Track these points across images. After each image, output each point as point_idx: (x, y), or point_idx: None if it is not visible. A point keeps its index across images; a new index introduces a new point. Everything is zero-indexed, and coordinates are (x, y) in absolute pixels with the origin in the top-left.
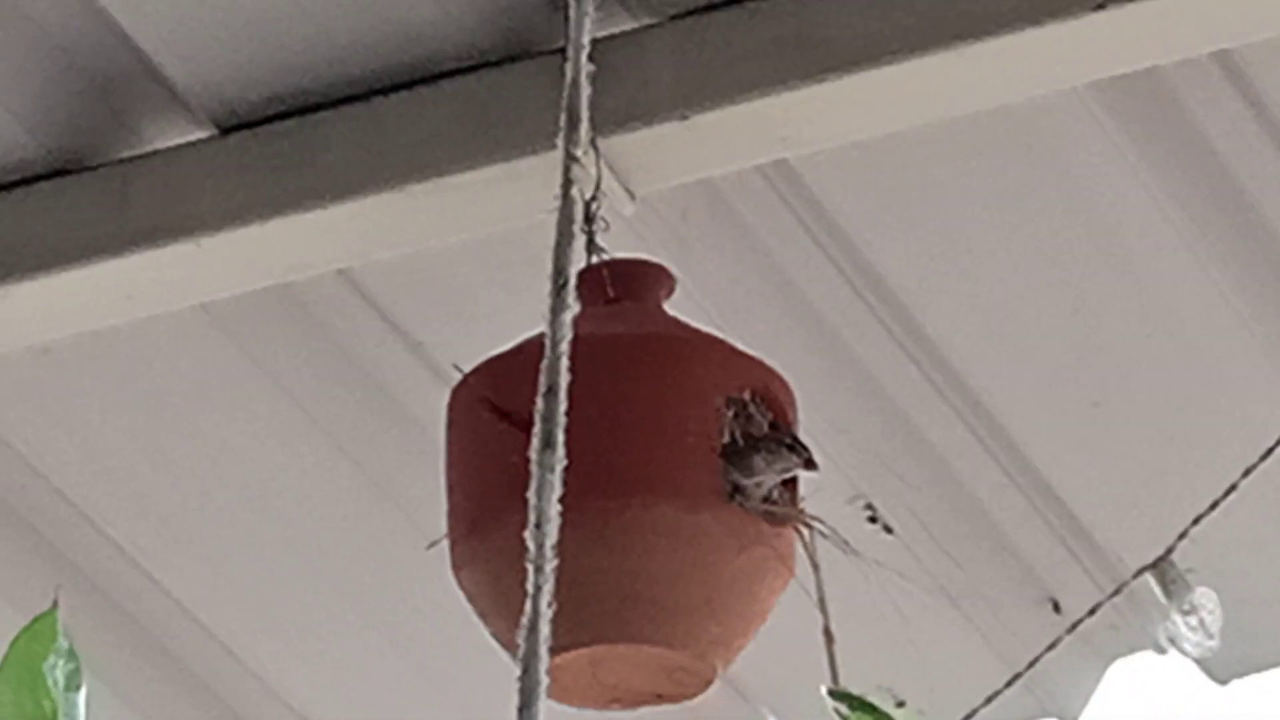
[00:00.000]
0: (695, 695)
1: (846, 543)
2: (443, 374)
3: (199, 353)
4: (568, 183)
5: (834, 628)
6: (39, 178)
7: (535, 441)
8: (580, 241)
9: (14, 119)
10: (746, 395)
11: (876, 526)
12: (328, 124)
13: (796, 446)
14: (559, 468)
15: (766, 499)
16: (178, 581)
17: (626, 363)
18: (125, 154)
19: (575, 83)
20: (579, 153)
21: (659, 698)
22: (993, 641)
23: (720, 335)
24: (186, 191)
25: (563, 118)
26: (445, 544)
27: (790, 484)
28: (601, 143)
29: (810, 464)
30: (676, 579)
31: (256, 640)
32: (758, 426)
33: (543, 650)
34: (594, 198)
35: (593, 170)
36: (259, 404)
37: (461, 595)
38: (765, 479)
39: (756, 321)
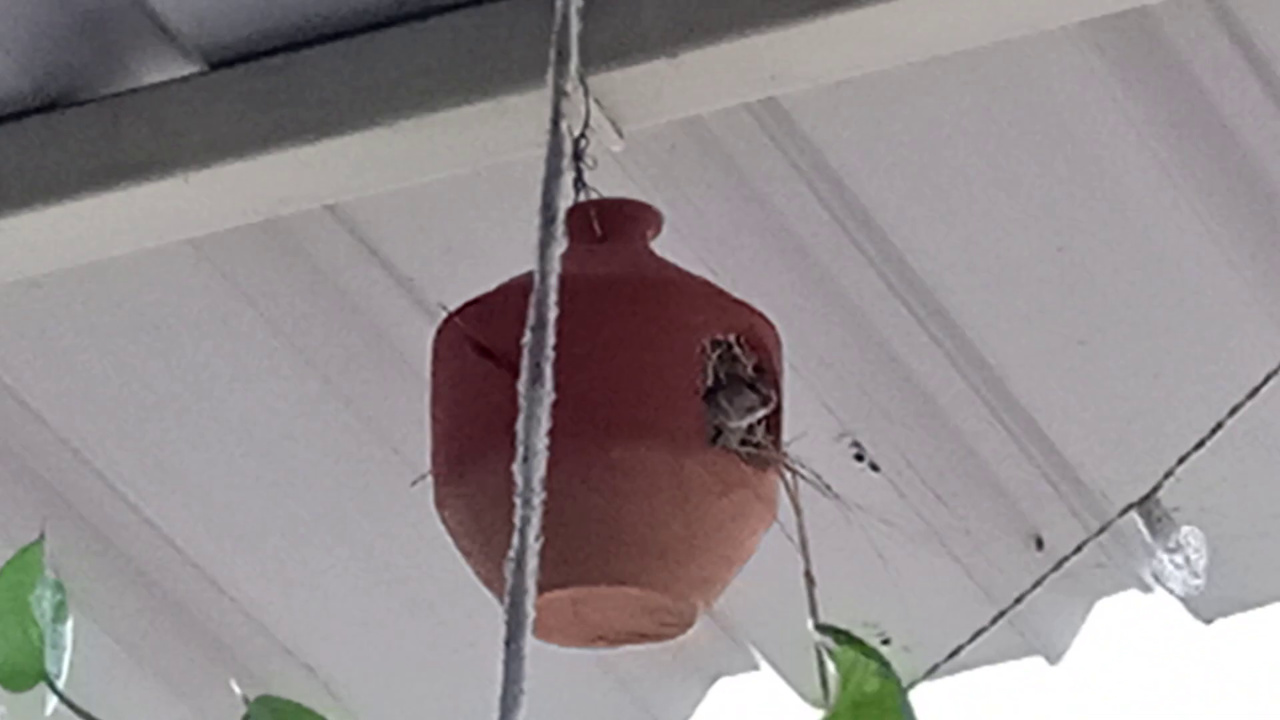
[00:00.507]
0: (678, 635)
1: (829, 486)
2: (431, 310)
3: (187, 287)
4: (557, 117)
5: (819, 566)
6: (28, 112)
7: (523, 375)
8: (567, 179)
9: (3, 54)
10: (731, 337)
11: (863, 464)
12: (316, 59)
13: (756, 385)
14: (546, 403)
15: (749, 441)
16: (164, 515)
17: (610, 304)
18: (114, 89)
19: (565, 18)
20: (568, 88)
21: (642, 637)
22: (978, 579)
23: (708, 273)
24: (175, 126)
25: (552, 53)
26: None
27: (774, 426)
28: (590, 79)
29: (766, 400)
30: (659, 521)
31: (243, 573)
32: (742, 368)
33: (530, 584)
34: (582, 135)
35: (581, 107)
36: (247, 338)
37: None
38: (740, 421)
39: (745, 259)
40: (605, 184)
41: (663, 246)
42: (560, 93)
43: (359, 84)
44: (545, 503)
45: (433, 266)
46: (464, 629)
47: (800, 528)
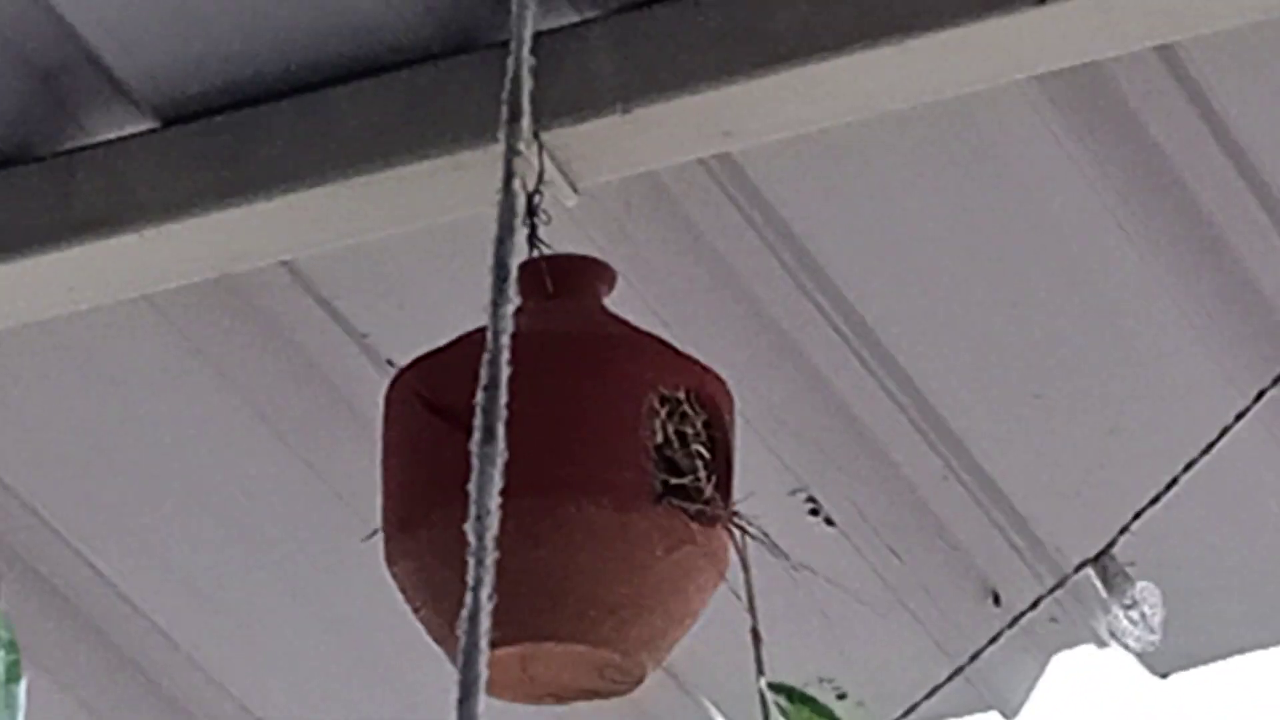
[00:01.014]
0: (626, 692)
1: (778, 547)
2: (385, 365)
3: (142, 343)
4: (509, 176)
5: (777, 620)
6: None
7: (476, 434)
8: (521, 234)
9: None
10: (681, 394)
11: (818, 519)
12: (271, 116)
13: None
14: (499, 461)
15: (699, 498)
16: (120, 571)
17: (560, 360)
18: (68, 145)
19: (517, 76)
20: (521, 146)
21: (591, 694)
22: (934, 634)
23: (662, 328)
24: (130, 183)
25: (504, 112)
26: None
27: (723, 483)
28: (544, 134)
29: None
30: (605, 578)
31: (197, 629)
32: (691, 425)
33: (483, 643)
34: (536, 190)
35: (535, 162)
36: (202, 394)
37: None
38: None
39: (699, 314)
40: (559, 239)
41: (616, 301)
42: (513, 152)
43: (313, 140)
44: None
45: (387, 322)
46: (417, 684)
47: (748, 585)
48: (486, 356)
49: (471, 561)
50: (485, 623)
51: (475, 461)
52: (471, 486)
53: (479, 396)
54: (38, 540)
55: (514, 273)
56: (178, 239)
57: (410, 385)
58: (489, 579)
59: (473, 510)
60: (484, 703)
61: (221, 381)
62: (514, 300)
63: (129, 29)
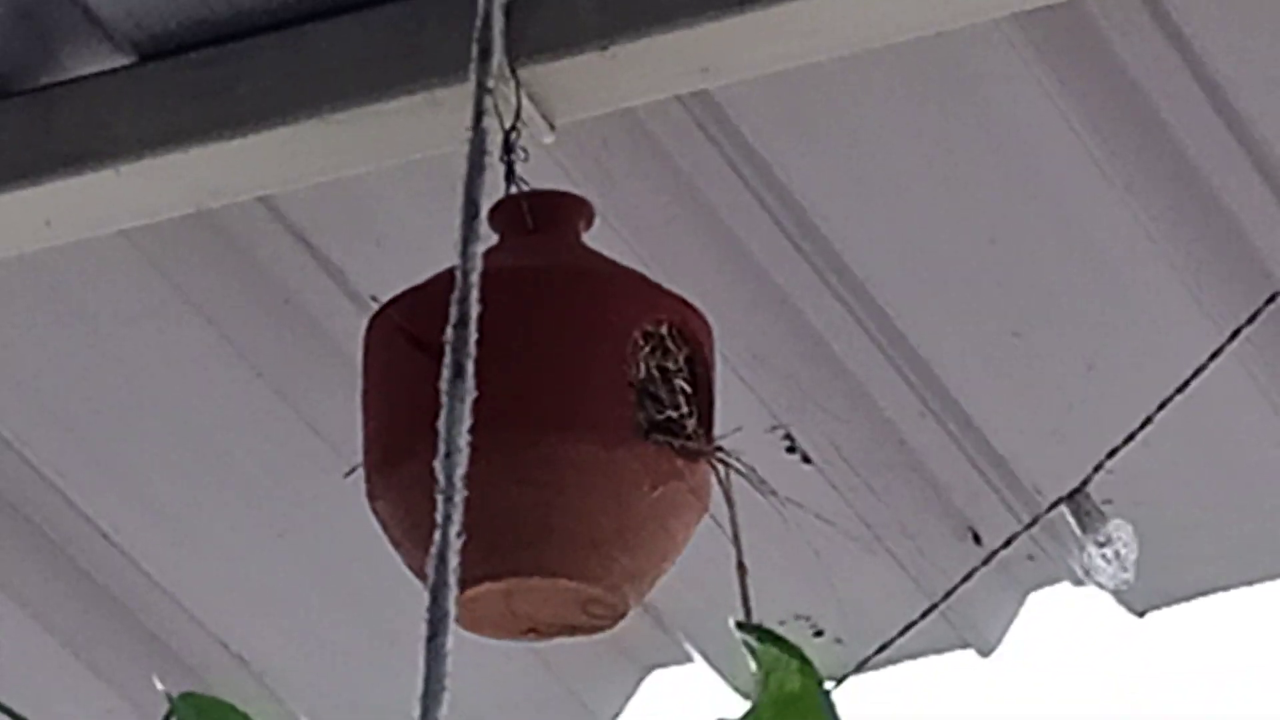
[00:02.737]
0: (609, 628)
1: (762, 481)
2: (362, 301)
3: (120, 279)
4: (480, 113)
5: (753, 558)
6: None
7: (445, 372)
8: (499, 171)
9: None
10: (663, 330)
11: (795, 456)
12: (248, 51)
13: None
14: (468, 398)
15: (682, 433)
16: (97, 505)
17: (541, 296)
18: (46, 80)
19: (488, 14)
20: (495, 82)
21: (573, 629)
22: (912, 572)
23: (640, 265)
24: (107, 118)
25: (475, 49)
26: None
27: (705, 417)
28: (522, 72)
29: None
30: (590, 513)
31: (176, 565)
32: (674, 361)
33: (452, 580)
34: (514, 127)
35: (513, 99)
36: (180, 329)
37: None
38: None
39: (677, 250)
40: (537, 176)
41: (595, 239)
42: (483, 90)
43: (290, 76)
44: (476, 495)
45: (364, 258)
46: (396, 621)
47: (733, 519)
48: (456, 294)
49: (440, 499)
50: (454, 560)
51: (444, 398)
52: (440, 423)
53: (448, 334)
54: (14, 475)
55: (483, 210)
56: (155, 174)
57: (392, 320)
58: (457, 516)
59: (441, 447)
60: (465, 636)
61: (200, 317)
62: (482, 237)
63: None
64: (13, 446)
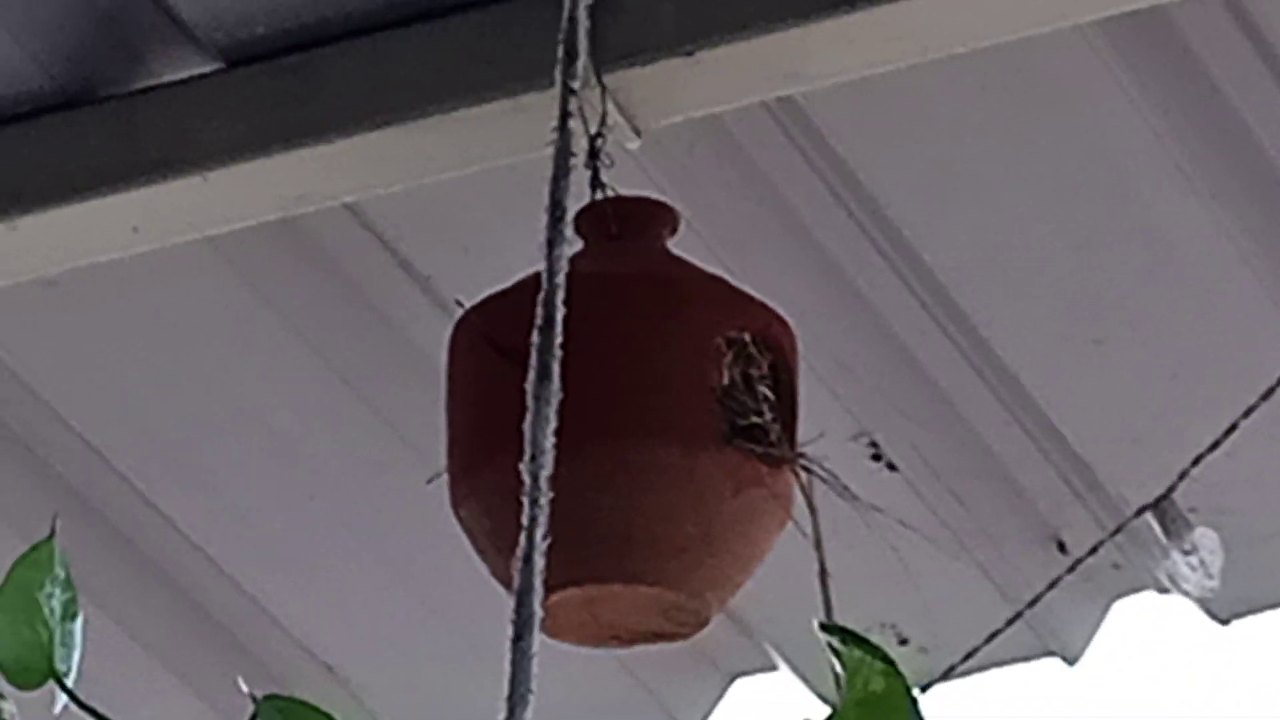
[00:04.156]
0: (691, 634)
1: (845, 487)
2: (448, 308)
3: (204, 286)
4: (565, 116)
5: (838, 567)
6: (47, 109)
7: (531, 374)
8: (584, 177)
9: (23, 51)
10: (746, 336)
11: (880, 464)
12: (333, 58)
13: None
14: (554, 401)
15: (765, 440)
16: (182, 513)
17: (626, 302)
18: (133, 87)
19: (573, 17)
20: (581, 87)
21: (656, 636)
22: (997, 580)
23: (724, 272)
24: (193, 124)
25: (560, 52)
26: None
27: (789, 425)
28: (607, 78)
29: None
30: (672, 519)
31: (260, 571)
32: (757, 367)
33: (537, 583)
34: (599, 133)
35: (598, 105)
36: (265, 336)
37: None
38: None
39: (762, 257)
40: (623, 182)
41: (680, 245)
42: (568, 92)
43: (376, 82)
44: (559, 501)
45: (450, 264)
46: (481, 627)
47: (815, 526)
48: (542, 296)
49: (526, 502)
50: (539, 562)
51: (530, 401)
52: (526, 426)
53: (534, 336)
54: (100, 480)
55: (569, 212)
56: (241, 181)
57: (476, 325)
58: (543, 519)
59: (527, 450)
60: (549, 644)
61: (284, 324)
62: (568, 240)
63: None
64: (100, 453)
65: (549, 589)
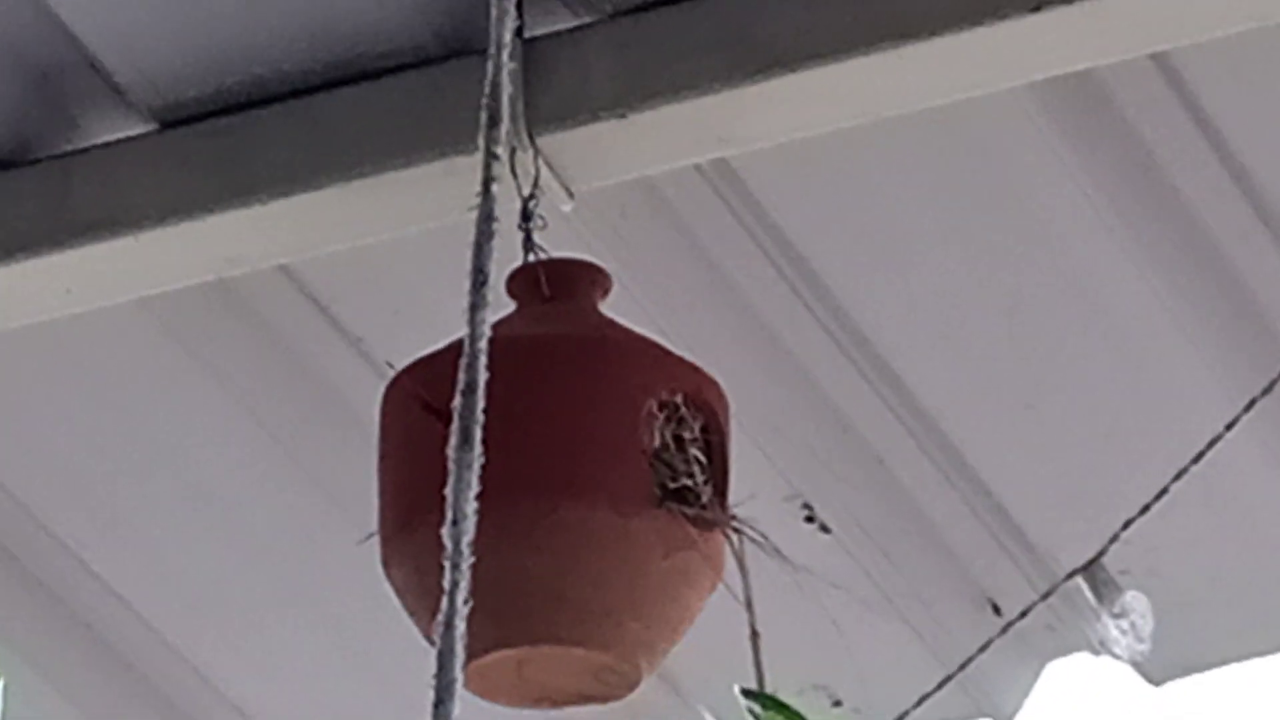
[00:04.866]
0: (622, 696)
1: (777, 550)
2: (381, 369)
3: (138, 347)
4: (488, 181)
5: (771, 628)
6: None
7: (453, 439)
8: (517, 238)
9: None
10: (678, 398)
11: (813, 526)
12: (267, 120)
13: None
14: (476, 465)
15: (696, 502)
16: (114, 572)
17: (557, 364)
18: (66, 148)
19: (496, 82)
20: (512, 149)
21: (586, 698)
22: (930, 642)
23: (657, 333)
24: (127, 186)
25: (483, 117)
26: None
27: (720, 487)
28: (540, 140)
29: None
30: (603, 581)
31: (192, 630)
32: (689, 429)
33: (459, 647)
34: (532, 195)
35: (531, 168)
36: (197, 397)
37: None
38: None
39: (694, 319)
40: (556, 244)
41: (612, 307)
42: (490, 156)
43: (309, 144)
44: (490, 562)
45: (382, 326)
46: (410, 688)
47: (746, 588)
48: (464, 360)
49: (447, 566)
50: (461, 626)
51: (451, 465)
52: (448, 490)
53: (456, 401)
54: (31, 539)
55: (500, 274)
56: (174, 242)
57: (408, 387)
58: (464, 583)
59: (449, 514)
60: (480, 705)
61: (217, 384)
62: (491, 304)
63: (127, 32)
64: (29, 510)
65: (480, 650)
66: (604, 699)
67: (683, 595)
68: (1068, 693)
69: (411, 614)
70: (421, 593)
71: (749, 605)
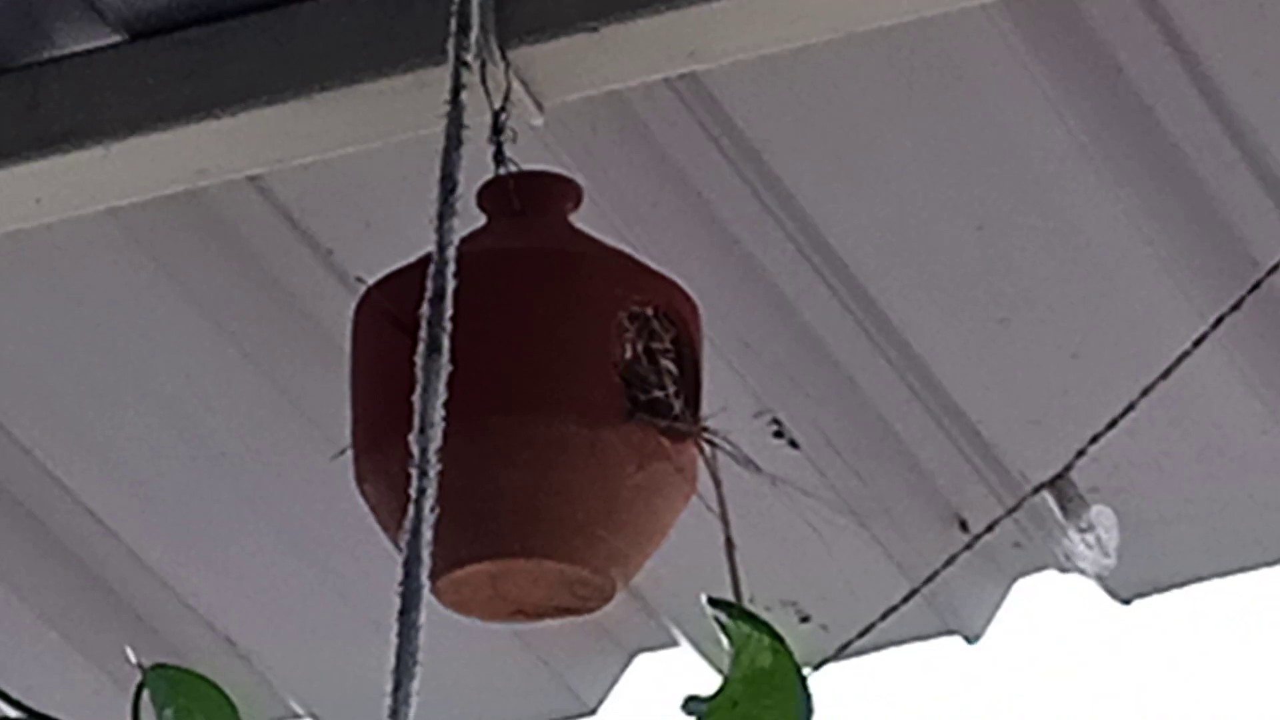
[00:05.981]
0: (596, 609)
1: (749, 459)
2: (350, 283)
3: (107, 258)
4: (457, 89)
5: (740, 544)
6: None
7: (421, 347)
8: (488, 152)
9: None
10: (649, 310)
11: (782, 441)
12: (237, 30)
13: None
14: (443, 374)
15: (668, 414)
16: (83, 485)
17: (528, 277)
18: (35, 58)
19: None
20: (484, 62)
21: (560, 611)
22: (898, 558)
23: (627, 248)
24: (96, 96)
25: (453, 24)
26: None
27: (692, 398)
28: (511, 54)
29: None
30: (577, 494)
31: (162, 545)
32: (660, 341)
33: (425, 555)
34: (503, 109)
35: (502, 81)
36: (166, 309)
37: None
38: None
39: (664, 234)
40: (527, 158)
41: (582, 221)
42: (460, 65)
43: (280, 56)
44: (461, 477)
45: (352, 239)
46: (383, 603)
47: (720, 498)
48: (432, 269)
49: (415, 474)
50: (427, 534)
51: (419, 374)
52: (416, 399)
53: (424, 309)
54: (1, 453)
55: (471, 188)
56: (143, 153)
57: (378, 302)
58: (432, 491)
59: (416, 423)
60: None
61: (187, 297)
62: (459, 213)
63: None
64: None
65: (453, 564)
66: (578, 611)
67: (655, 507)
68: (1037, 610)
69: (385, 529)
70: (394, 508)
71: (724, 515)
